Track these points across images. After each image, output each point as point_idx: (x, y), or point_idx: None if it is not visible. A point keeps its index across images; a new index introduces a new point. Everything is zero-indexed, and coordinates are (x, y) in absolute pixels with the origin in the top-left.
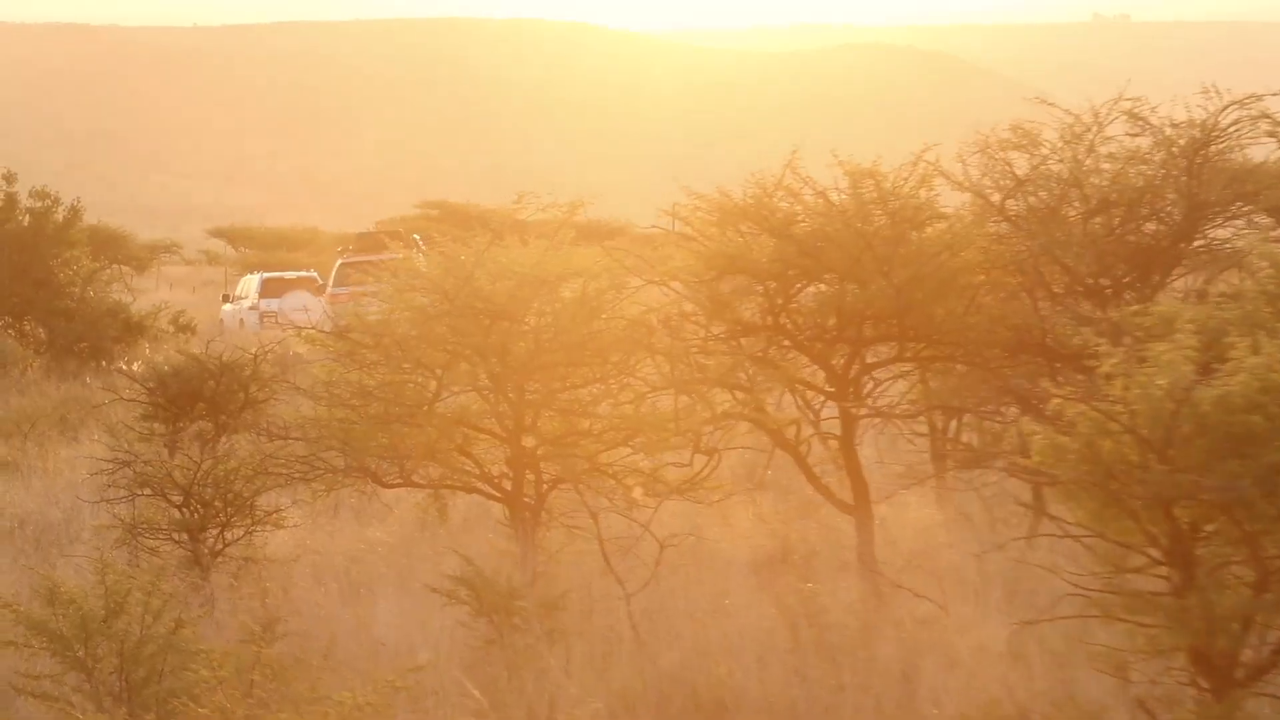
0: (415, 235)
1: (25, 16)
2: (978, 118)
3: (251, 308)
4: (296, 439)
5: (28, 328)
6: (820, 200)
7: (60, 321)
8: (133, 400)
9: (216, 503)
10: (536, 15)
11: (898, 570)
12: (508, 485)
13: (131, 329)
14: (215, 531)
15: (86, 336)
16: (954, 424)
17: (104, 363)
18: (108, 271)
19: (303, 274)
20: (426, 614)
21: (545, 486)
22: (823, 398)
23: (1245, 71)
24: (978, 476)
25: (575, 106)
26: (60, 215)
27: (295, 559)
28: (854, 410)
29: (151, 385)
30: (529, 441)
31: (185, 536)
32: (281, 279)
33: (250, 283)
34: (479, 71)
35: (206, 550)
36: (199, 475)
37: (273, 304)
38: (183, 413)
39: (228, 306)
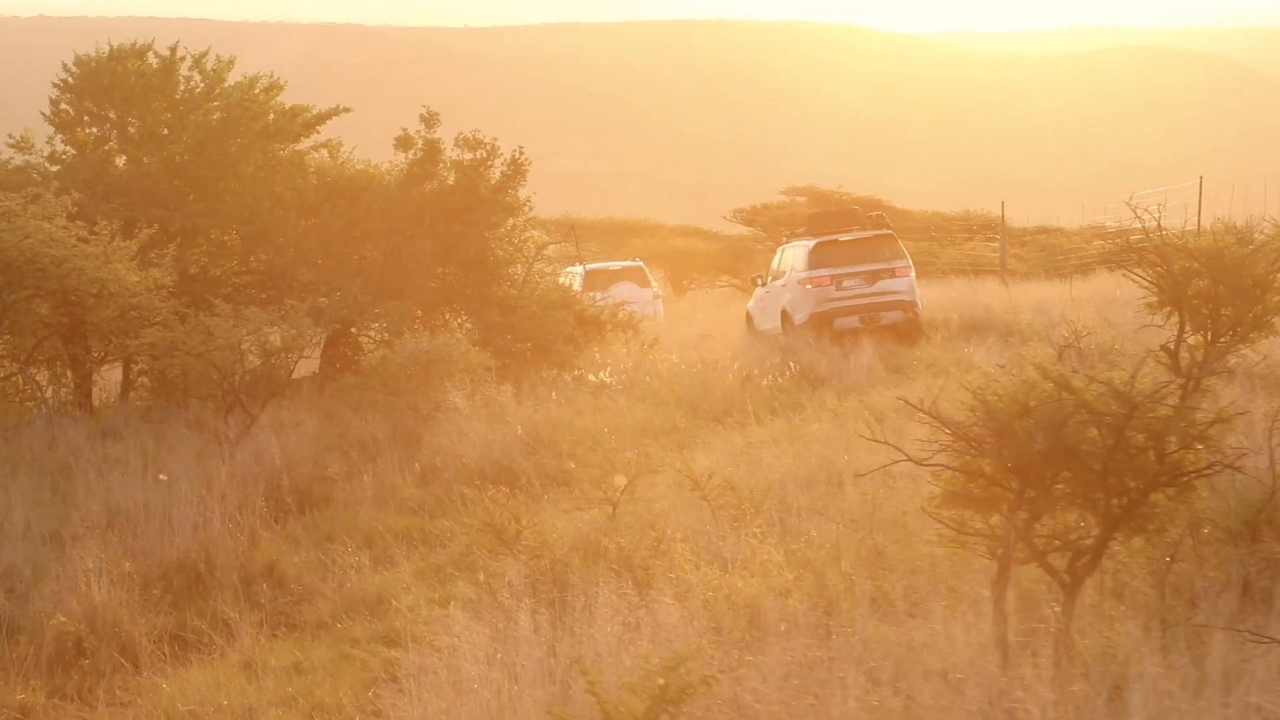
0: (877, 213)
1: (301, 17)
2: (1255, 122)
3: None
4: None
5: (444, 320)
6: None
7: (496, 314)
8: (932, 464)
9: None
10: (806, 17)
11: None
12: None
13: (587, 326)
14: None
15: (531, 334)
16: None
17: (560, 371)
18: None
19: (628, 264)
20: None
21: None
22: None
23: None
24: None
25: (844, 107)
26: (497, 172)
27: None
28: None
29: (975, 432)
30: None
31: None
32: (606, 270)
33: (574, 275)
34: (747, 73)
35: None
36: None
37: (598, 297)
38: (1039, 487)
39: None
